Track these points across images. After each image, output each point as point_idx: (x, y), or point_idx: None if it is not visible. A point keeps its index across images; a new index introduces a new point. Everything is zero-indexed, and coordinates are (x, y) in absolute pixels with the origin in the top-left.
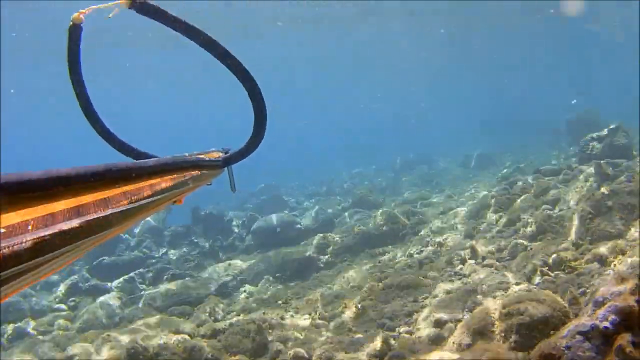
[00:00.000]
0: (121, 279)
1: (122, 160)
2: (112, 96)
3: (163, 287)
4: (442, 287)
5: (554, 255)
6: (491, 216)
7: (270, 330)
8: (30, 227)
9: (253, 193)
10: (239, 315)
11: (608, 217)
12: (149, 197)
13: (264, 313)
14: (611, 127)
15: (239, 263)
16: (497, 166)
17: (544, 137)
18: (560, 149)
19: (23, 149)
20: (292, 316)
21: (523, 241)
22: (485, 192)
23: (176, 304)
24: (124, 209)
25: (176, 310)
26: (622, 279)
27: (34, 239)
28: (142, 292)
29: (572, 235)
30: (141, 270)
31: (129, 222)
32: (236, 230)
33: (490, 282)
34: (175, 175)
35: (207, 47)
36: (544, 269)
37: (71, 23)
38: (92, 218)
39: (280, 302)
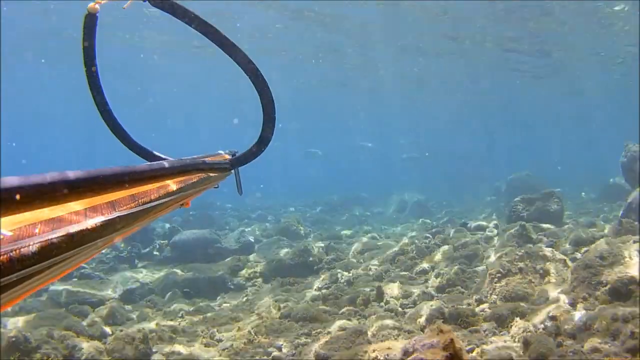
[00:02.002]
0: None
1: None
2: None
3: (69, 284)
4: (337, 324)
5: (452, 308)
6: (407, 262)
7: (158, 342)
8: (37, 230)
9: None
10: (137, 322)
11: (518, 278)
12: (156, 199)
13: (156, 324)
14: (545, 191)
15: (151, 272)
16: (431, 215)
17: (487, 194)
18: (496, 207)
19: (23, 150)
20: (184, 331)
21: (431, 291)
22: (408, 239)
23: (78, 303)
24: (131, 212)
25: (76, 309)
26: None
27: (41, 242)
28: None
29: (479, 292)
30: None
31: (136, 225)
32: (156, 240)
33: (381, 325)
34: (183, 178)
35: (219, 44)
36: (439, 320)
37: (87, 12)
38: (99, 221)
39: (177, 316)
